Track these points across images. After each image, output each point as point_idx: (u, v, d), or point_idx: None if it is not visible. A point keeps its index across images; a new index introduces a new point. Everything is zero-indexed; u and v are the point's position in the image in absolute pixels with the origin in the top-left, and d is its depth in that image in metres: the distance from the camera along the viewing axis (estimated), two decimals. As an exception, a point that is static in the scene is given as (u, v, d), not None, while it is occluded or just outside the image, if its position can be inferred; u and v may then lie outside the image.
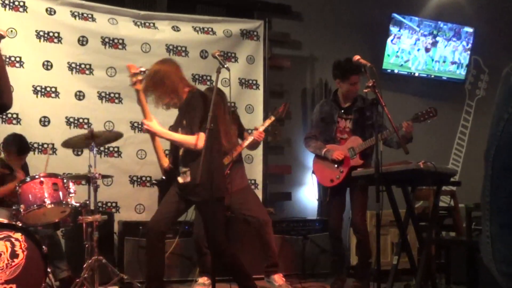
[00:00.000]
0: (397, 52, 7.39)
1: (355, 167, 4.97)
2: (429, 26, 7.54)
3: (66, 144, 4.86)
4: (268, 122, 5.28)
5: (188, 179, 4.09)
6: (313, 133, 5.38)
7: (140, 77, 4.05)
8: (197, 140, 4.00)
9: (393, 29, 7.29)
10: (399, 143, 4.97)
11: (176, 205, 4.22)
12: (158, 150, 4.22)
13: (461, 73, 7.82)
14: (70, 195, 4.47)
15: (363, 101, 5.19)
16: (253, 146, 5.33)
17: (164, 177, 4.37)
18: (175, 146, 4.34)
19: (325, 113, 5.32)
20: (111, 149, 5.93)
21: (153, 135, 4.19)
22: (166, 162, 4.24)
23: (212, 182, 3.96)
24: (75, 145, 5.09)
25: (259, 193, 6.33)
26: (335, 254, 5.44)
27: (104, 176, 5.01)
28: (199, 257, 5.23)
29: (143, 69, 4.10)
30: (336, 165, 5.18)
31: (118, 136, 5.02)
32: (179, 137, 4.11)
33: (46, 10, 5.79)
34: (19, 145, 5.01)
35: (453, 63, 7.74)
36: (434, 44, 7.60)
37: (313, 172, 5.47)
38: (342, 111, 5.27)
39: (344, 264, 5.52)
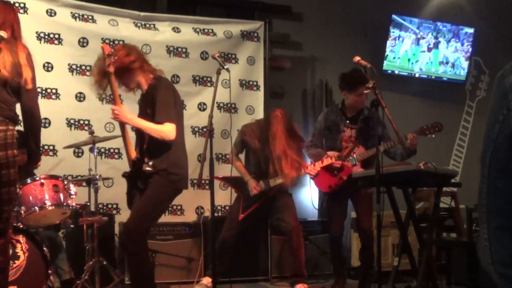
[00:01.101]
0: (398, 53, 7.39)
1: None
2: (429, 27, 7.54)
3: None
4: (327, 162, 5.12)
5: (149, 168, 3.92)
6: (315, 141, 5.36)
7: (113, 59, 3.81)
8: (171, 131, 3.84)
9: (393, 31, 7.29)
10: (403, 155, 4.99)
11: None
12: (127, 141, 4.00)
13: (462, 74, 7.82)
14: (71, 196, 4.46)
15: (369, 111, 5.14)
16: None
17: (131, 169, 4.12)
18: (141, 137, 4.09)
19: (330, 121, 5.29)
20: (111, 150, 5.93)
21: (123, 125, 3.96)
22: (133, 153, 4.02)
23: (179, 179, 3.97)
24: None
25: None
26: (335, 259, 5.45)
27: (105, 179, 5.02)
28: (218, 259, 4.91)
29: (115, 49, 3.91)
30: (335, 172, 5.17)
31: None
32: (152, 126, 3.85)
33: (47, 11, 5.79)
34: None
35: (453, 64, 7.74)
36: (435, 45, 7.60)
37: (311, 178, 5.46)
38: (348, 121, 5.26)
39: (344, 267, 5.52)
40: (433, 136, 5.08)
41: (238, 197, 5.32)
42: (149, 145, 3.99)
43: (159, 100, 3.89)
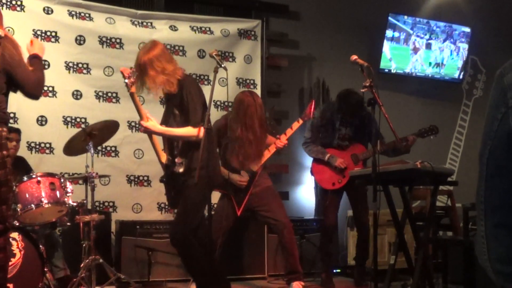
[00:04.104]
0: (394, 51, 7.39)
1: None
2: (425, 27, 7.54)
3: (67, 151, 4.86)
4: (296, 125, 5.21)
5: (182, 169, 4.07)
6: (313, 138, 5.43)
7: (133, 79, 3.92)
8: (199, 131, 3.97)
9: (390, 30, 7.29)
10: (395, 151, 5.25)
11: None
12: (156, 147, 4.18)
13: (458, 73, 7.83)
14: (67, 194, 4.46)
15: (364, 109, 5.23)
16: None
17: (165, 173, 4.31)
18: (169, 140, 4.26)
19: (326, 119, 5.37)
20: (108, 148, 5.93)
21: (151, 134, 4.14)
22: (164, 157, 4.19)
23: (207, 175, 3.97)
24: (75, 149, 4.94)
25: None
26: (325, 253, 5.55)
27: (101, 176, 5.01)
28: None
29: (133, 70, 3.96)
30: (340, 170, 5.33)
31: (113, 127, 4.98)
32: (180, 131, 4.05)
33: (44, 9, 5.78)
34: None
35: (450, 63, 7.75)
36: (431, 44, 7.60)
37: (312, 173, 5.52)
38: (343, 119, 5.37)
39: (332, 262, 5.66)
40: (432, 138, 5.31)
41: (222, 196, 5.28)
42: (180, 145, 4.14)
43: (183, 100, 4.03)
